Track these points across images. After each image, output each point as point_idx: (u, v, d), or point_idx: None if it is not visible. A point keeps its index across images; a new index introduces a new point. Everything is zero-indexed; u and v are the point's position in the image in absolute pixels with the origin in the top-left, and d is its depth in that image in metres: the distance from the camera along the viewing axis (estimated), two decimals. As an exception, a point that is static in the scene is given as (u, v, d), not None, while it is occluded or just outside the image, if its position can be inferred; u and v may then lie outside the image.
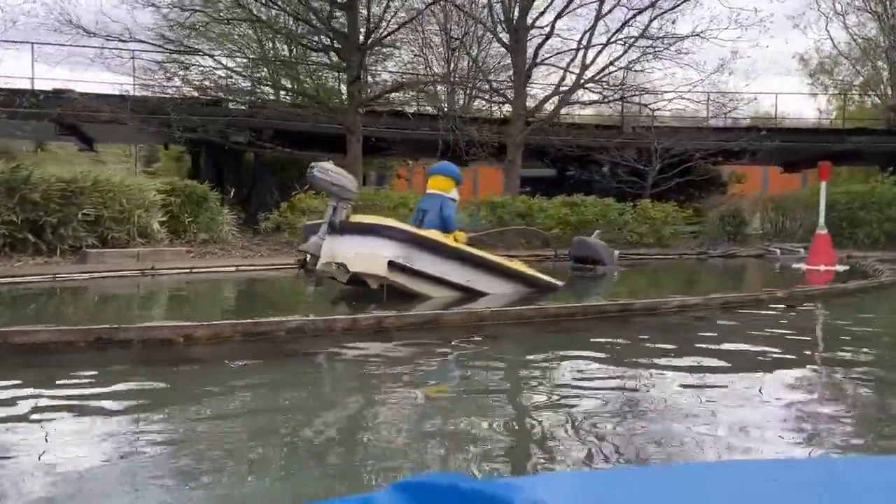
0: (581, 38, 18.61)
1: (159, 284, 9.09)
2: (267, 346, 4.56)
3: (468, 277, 7.33)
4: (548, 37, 17.96)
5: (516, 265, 7.96)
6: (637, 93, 19.57)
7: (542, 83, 20.89)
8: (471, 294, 7.34)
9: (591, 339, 5.02)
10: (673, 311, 6.27)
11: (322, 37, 16.89)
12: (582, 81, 18.31)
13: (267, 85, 18.41)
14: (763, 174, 33.60)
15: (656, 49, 18.41)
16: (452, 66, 20.45)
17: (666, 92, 20.26)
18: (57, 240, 10.12)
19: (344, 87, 17.85)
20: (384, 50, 23.50)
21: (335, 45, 16.87)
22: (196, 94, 18.61)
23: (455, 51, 19.66)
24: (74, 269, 9.52)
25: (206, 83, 19.74)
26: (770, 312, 6.53)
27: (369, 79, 19.06)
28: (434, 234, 7.23)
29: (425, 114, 20.89)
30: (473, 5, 19.38)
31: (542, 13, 18.48)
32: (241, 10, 17.14)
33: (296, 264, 7.12)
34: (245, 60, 19.71)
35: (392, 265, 6.82)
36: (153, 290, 8.73)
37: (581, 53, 18.19)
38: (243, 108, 19.69)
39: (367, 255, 6.87)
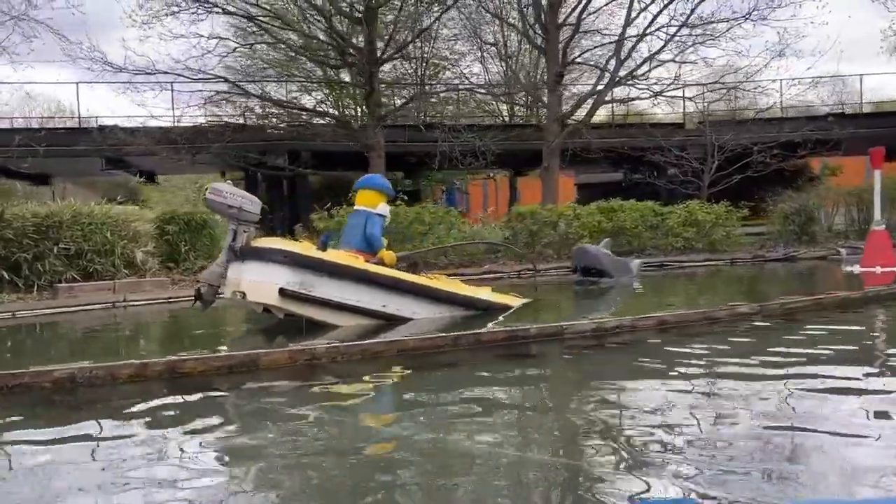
0: (623, 31, 17.33)
1: (104, 318, 8.81)
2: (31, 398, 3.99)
3: (383, 302, 6.55)
4: (575, 31, 16.83)
5: (450, 286, 7.11)
6: (680, 85, 17.99)
7: (585, 82, 19.66)
8: (391, 321, 6.57)
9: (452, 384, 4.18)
10: (587, 334, 5.26)
11: (339, 54, 16.50)
12: (617, 79, 17.02)
13: (293, 107, 18.20)
14: (865, 165, 30.57)
15: (700, 37, 16.88)
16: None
17: (724, 85, 18.57)
18: (35, 275, 10.08)
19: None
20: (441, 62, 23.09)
21: (353, 62, 16.47)
22: (243, 121, 18.69)
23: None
24: (41, 304, 9.42)
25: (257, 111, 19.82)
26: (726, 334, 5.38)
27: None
28: (339, 256, 6.50)
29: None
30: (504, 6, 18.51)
31: (573, 9, 17.37)
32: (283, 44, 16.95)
33: (193, 295, 6.55)
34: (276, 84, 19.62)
35: (284, 293, 6.15)
36: (87, 325, 8.40)
37: (618, 48, 16.89)
38: (279, 132, 19.62)
39: (259, 283, 6.24)
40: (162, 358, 4.22)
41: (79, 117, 19.08)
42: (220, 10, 15.15)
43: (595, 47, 17.78)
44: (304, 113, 17.70)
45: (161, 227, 12.19)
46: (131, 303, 9.71)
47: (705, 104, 19.18)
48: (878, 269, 10.86)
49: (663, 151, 19.07)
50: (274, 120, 18.24)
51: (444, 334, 5.01)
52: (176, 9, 14.90)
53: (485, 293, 7.39)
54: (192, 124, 17.93)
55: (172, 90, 18.91)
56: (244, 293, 6.33)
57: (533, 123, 19.98)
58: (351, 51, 16.44)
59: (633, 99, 18.37)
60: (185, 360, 4.20)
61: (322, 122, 17.61)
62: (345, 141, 16.74)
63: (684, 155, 18.74)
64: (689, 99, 18.39)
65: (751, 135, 17.53)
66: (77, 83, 18.92)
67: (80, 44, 15.11)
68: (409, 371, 4.57)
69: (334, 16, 16.48)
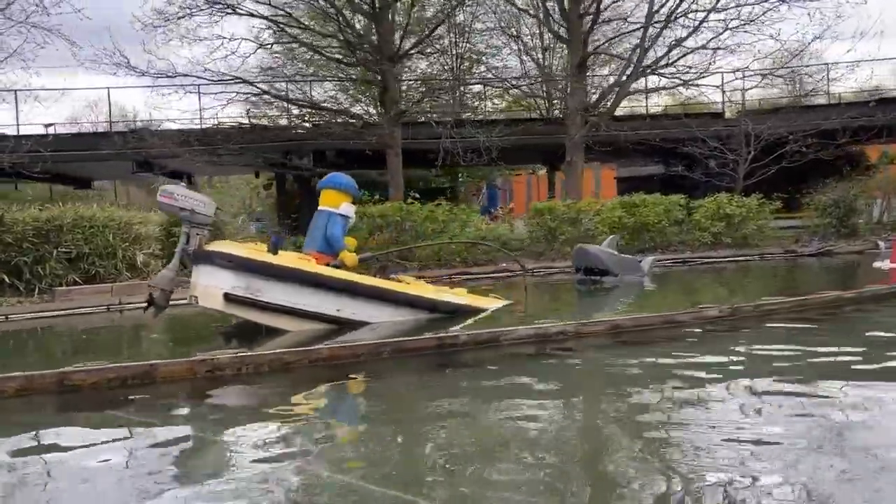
0: (648, 18, 16.64)
1: (93, 322, 8.80)
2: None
3: (338, 306, 6.31)
4: (595, 20, 16.26)
5: (415, 289, 6.82)
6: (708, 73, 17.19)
7: (611, 74, 19.01)
8: (347, 325, 6.32)
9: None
10: (527, 341, 4.90)
11: (351, 52, 16.33)
12: (641, 68, 16.37)
13: (307, 105, 18.08)
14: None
15: (731, 22, 16.08)
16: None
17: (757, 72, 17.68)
18: (35, 279, 10.22)
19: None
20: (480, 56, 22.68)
21: (367, 59, 16.29)
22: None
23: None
24: (37, 308, 9.53)
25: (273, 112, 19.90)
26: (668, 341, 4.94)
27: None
28: (287, 259, 6.27)
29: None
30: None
31: (596, -3, 16.79)
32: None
33: (145, 300, 6.43)
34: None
35: (229, 298, 5.97)
36: (67, 329, 8.40)
37: (643, 36, 16.24)
38: (303, 132, 19.58)
39: (208, 288, 6.08)
40: (51, 370, 4.05)
41: (109, 121, 19.36)
42: (232, 11, 15.11)
43: (616, 36, 17.06)
44: (325, 112, 17.56)
45: (168, 229, 12.22)
46: (126, 306, 9.71)
47: (743, 91, 18.26)
48: (909, 265, 10.09)
49: (699, 143, 18.26)
50: (295, 120, 18.22)
51: (365, 342, 4.73)
52: (191, 11, 14.90)
53: (455, 296, 7.07)
54: (213, 125, 18.03)
55: (200, 93, 19.04)
56: (197, 298, 6.20)
57: (546, 117, 19.41)
58: (365, 46, 16.25)
59: (660, 89, 17.66)
60: (74, 373, 4.03)
61: (339, 120, 17.44)
62: (362, 139, 16.55)
63: (719, 145, 17.90)
64: (718, 87, 17.47)
65: (789, 123, 16.58)
66: (108, 88, 18.89)
67: (104, 48, 15.27)
68: (325, 385, 4.29)
69: (346, 10, 16.31)
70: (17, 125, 19.36)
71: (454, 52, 22.09)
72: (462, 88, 21.29)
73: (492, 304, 7.30)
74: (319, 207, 7.09)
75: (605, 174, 31.22)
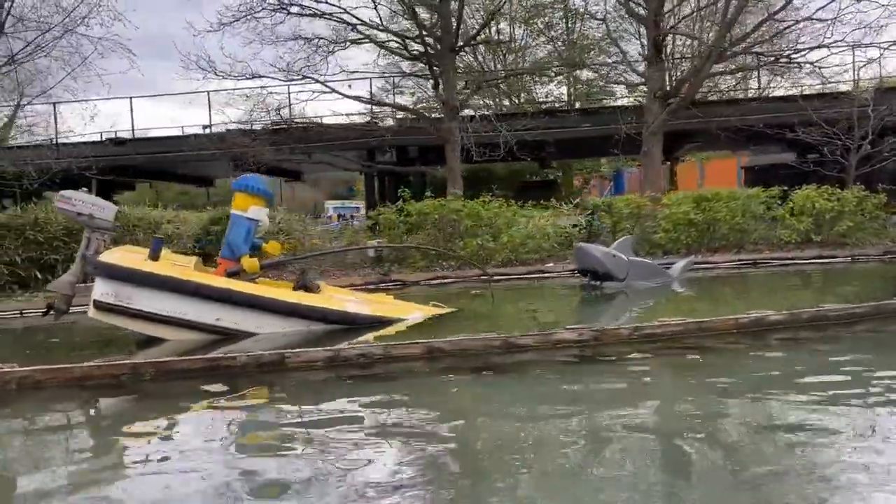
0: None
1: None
2: None
3: (217, 316, 6.08)
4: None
5: (317, 299, 6.40)
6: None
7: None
8: (232, 335, 6.08)
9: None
10: (318, 364, 4.40)
11: (416, 44, 16.03)
12: (722, 48, 14.62)
13: (370, 102, 17.97)
14: None
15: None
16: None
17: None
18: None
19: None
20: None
21: (429, 52, 15.93)
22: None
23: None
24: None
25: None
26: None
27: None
28: (160, 266, 6.10)
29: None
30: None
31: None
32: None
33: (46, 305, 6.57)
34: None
35: (98, 305, 5.93)
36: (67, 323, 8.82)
37: (724, 12, 14.55)
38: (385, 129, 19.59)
39: (90, 295, 6.09)
40: None
41: (210, 124, 20.50)
42: (287, 12, 15.35)
43: (695, 12, 15.36)
44: (389, 108, 17.46)
45: (206, 227, 12.65)
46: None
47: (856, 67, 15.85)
48: None
49: (813, 127, 16.04)
50: (370, 118, 18.27)
51: (125, 361, 4.44)
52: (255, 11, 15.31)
53: (362, 305, 6.59)
54: (294, 124, 18.47)
55: (289, 92, 19.61)
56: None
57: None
58: (427, 39, 15.91)
59: (741, 70, 15.74)
60: None
61: (401, 116, 17.25)
62: (426, 134, 16.25)
63: (832, 130, 15.64)
64: (814, 65, 15.19)
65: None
66: (208, 91, 19.92)
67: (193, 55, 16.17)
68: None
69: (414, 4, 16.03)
70: (133, 130, 21.17)
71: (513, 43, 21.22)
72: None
73: (411, 313, 6.73)
74: (231, 211, 6.90)
75: (726, 164, 28.59)
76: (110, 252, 6.33)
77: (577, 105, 24.12)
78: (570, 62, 22.71)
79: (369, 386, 4.24)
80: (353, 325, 6.29)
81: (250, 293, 6.16)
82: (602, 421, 3.45)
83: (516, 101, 26.32)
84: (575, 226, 14.57)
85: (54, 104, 24.52)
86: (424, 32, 16.12)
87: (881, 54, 15.70)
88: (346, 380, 4.34)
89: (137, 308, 5.95)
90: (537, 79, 25.11)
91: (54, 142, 22.39)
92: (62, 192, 6.46)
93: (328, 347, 4.52)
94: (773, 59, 14.91)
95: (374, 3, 15.62)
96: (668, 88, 15.67)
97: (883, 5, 13.91)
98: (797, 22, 15.01)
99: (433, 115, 16.84)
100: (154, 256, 6.15)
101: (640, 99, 17.44)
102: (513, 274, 11.87)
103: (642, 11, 15.80)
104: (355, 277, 12.13)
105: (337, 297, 6.64)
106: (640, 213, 13.60)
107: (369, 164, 20.00)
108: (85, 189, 6.62)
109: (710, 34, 15.22)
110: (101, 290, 5.93)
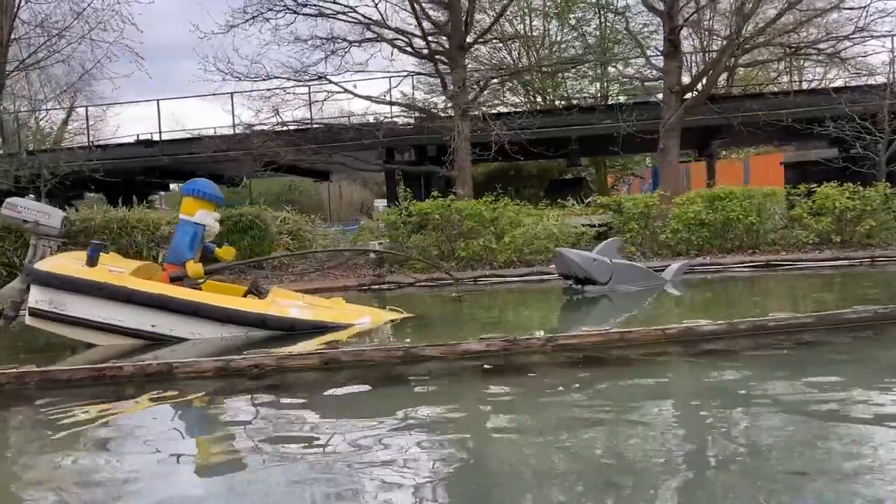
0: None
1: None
2: None
3: (153, 322, 6.00)
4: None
5: (243, 304, 6.26)
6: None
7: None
8: (166, 341, 5.99)
9: None
10: (191, 375, 4.26)
11: (425, 42, 15.84)
12: (741, 40, 13.99)
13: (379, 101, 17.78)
14: None
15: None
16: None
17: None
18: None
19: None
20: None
21: (439, 49, 15.73)
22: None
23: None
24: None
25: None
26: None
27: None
28: (95, 272, 6.02)
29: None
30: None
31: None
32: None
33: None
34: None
35: (34, 312, 5.92)
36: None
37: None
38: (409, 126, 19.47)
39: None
40: None
41: (233, 125, 20.69)
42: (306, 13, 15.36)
43: (710, 3, 14.71)
44: (400, 108, 17.31)
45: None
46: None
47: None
48: None
49: (843, 121, 15.23)
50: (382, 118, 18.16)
51: (7, 370, 4.36)
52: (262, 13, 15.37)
53: (311, 311, 6.43)
54: (323, 124, 18.53)
55: (310, 91, 19.61)
56: None
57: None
58: (432, 38, 15.74)
59: (760, 63, 15.03)
60: None
61: (408, 114, 17.10)
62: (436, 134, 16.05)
63: (864, 123, 14.83)
64: (836, 57, 14.38)
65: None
66: (231, 93, 20.07)
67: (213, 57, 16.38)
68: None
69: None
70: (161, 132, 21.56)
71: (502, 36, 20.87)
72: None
73: (360, 318, 6.54)
74: (180, 215, 6.83)
75: (768, 160, 27.46)
76: (51, 258, 6.32)
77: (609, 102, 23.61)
78: (577, 59, 22.13)
79: (262, 397, 4.08)
80: (293, 330, 6.15)
81: (184, 299, 6.06)
82: (479, 435, 3.23)
83: (550, 98, 25.92)
84: (591, 225, 14.18)
85: (86, 107, 25.36)
86: (431, 29, 15.94)
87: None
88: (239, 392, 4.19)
89: (73, 315, 5.92)
90: (570, 74, 24.68)
91: (90, 144, 23.05)
92: (9, 200, 6.49)
93: (218, 357, 4.38)
94: (793, 50, 14.13)
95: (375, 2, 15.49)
96: (685, 83, 15.09)
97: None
98: (824, 11, 14.23)
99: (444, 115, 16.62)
100: (91, 263, 6.10)
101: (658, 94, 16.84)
102: (508, 276, 11.57)
103: (660, 5, 15.27)
104: (352, 278, 12.03)
105: (281, 302, 6.48)
106: (649, 212, 13.12)
107: (388, 163, 19.89)
108: (32, 196, 6.64)
109: (729, 26, 14.51)
110: (36, 297, 5.91)
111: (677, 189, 15.12)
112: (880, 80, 16.33)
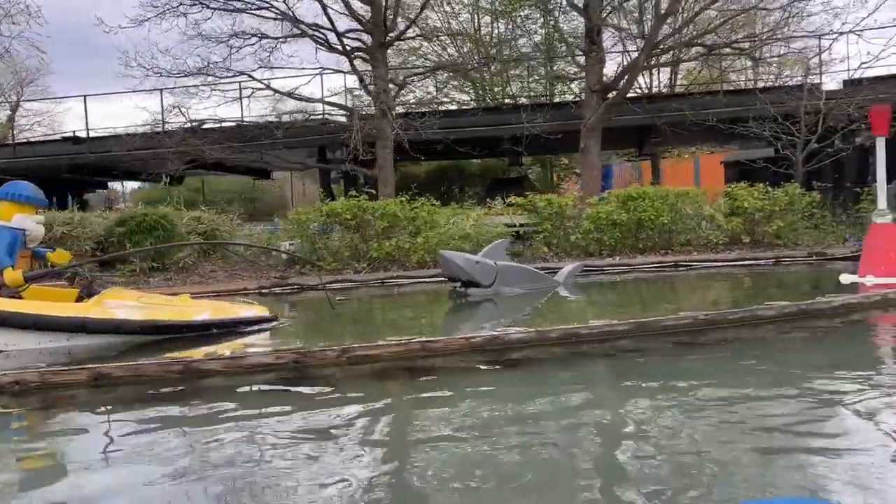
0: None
1: None
2: None
3: (-39, 334, 5.69)
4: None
5: (59, 309, 5.94)
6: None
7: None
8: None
9: None
10: None
11: (339, 40, 15.57)
12: (657, 40, 13.96)
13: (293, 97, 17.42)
14: None
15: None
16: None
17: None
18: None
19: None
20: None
21: (361, 46, 15.49)
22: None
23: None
24: None
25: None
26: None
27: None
28: None
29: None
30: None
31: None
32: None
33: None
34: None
35: None
36: None
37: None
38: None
39: None
40: None
41: (163, 121, 20.18)
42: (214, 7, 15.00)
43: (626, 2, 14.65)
44: (322, 105, 17.03)
45: (111, 229, 12.39)
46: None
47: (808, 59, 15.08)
48: (870, 280, 7.50)
49: (766, 122, 15.28)
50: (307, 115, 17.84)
51: None
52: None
53: (142, 311, 6.12)
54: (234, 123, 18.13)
55: (240, 88, 19.20)
56: None
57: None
58: (356, 33, 15.49)
59: (677, 62, 15.03)
60: None
61: (334, 112, 16.85)
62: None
63: (786, 124, 14.89)
64: (752, 56, 14.42)
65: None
66: (152, 89, 19.47)
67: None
68: None
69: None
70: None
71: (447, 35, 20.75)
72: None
73: (199, 315, 6.22)
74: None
75: (711, 159, 27.67)
76: None
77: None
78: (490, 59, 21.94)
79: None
80: (119, 332, 5.88)
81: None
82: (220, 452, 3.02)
83: (499, 98, 25.74)
84: (512, 225, 14.04)
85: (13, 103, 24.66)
86: (354, 26, 15.70)
87: (829, 46, 14.86)
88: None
89: None
90: (515, 73, 24.54)
91: (13, 141, 22.43)
92: None
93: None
94: (709, 49, 14.13)
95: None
96: (606, 82, 15.03)
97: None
98: (741, 12, 14.27)
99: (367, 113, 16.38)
100: None
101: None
102: (418, 277, 11.37)
103: (580, 2, 15.21)
104: (261, 280, 11.72)
105: (108, 304, 6.15)
106: (563, 212, 13.03)
107: (321, 162, 19.60)
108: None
109: (641, 26, 14.49)
110: None
111: (597, 189, 15.08)
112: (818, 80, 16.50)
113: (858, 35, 14.06)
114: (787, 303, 5.28)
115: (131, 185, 34.60)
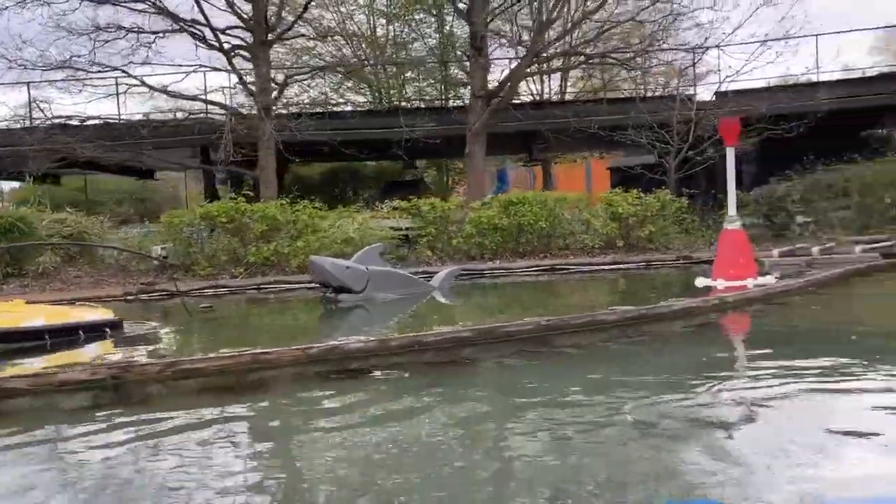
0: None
1: None
2: None
3: None
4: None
5: None
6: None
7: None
8: None
9: None
10: None
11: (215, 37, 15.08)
12: (541, 47, 14.26)
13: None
14: None
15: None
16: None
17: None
18: None
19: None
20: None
21: (241, 44, 15.04)
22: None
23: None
24: None
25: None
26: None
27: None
28: None
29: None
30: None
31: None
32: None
33: None
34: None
35: None
36: None
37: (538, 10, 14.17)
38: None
39: None
40: None
41: (30, 117, 18.92)
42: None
43: (511, 5, 14.88)
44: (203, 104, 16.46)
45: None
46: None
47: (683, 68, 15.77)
48: (721, 283, 7.87)
49: (643, 130, 15.83)
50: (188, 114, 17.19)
51: None
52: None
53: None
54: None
55: (117, 84, 18.25)
56: None
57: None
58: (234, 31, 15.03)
59: (562, 69, 15.45)
60: None
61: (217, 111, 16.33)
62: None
63: (658, 132, 15.49)
64: (626, 66, 15.01)
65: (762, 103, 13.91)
66: (28, 83, 18.27)
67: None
68: None
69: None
70: None
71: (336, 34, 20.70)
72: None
73: (32, 321, 5.80)
74: None
75: (600, 164, 28.63)
76: None
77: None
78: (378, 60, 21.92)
79: None
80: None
81: None
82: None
83: (396, 100, 25.58)
84: (398, 229, 13.94)
85: None
86: (234, 23, 15.25)
87: (697, 59, 15.59)
88: None
89: None
90: (410, 76, 24.44)
91: None
92: None
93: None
94: (586, 59, 14.55)
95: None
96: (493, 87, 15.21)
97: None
98: (618, 23, 14.74)
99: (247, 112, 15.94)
100: None
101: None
102: (295, 283, 11.09)
103: (462, 5, 15.33)
104: (127, 286, 11.13)
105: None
106: (447, 216, 13.06)
107: (204, 163, 18.90)
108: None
109: (519, 35, 14.77)
110: None
111: (482, 193, 15.23)
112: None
113: (722, 50, 14.81)
114: (630, 307, 5.42)
115: (10, 184, 32.39)
